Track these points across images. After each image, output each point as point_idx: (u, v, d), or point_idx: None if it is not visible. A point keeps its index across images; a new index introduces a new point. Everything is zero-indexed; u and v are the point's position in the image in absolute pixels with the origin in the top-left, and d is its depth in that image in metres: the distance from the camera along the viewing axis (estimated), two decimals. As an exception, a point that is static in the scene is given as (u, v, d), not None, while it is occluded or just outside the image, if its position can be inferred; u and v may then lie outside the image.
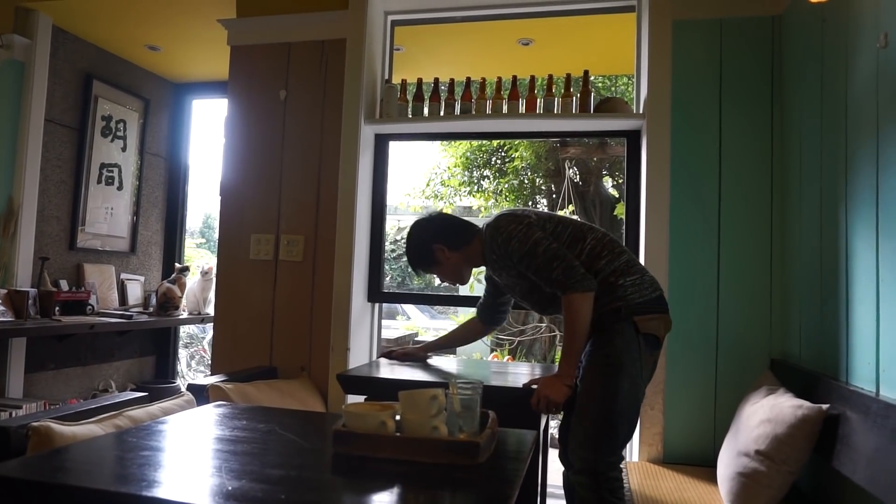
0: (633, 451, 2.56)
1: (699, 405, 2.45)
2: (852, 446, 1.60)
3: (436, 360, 2.39)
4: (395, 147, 3.07)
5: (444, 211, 8.69)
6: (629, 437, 1.85)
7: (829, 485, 1.95)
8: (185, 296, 3.89)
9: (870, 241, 1.65)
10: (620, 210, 6.23)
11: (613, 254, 1.88)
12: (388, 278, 9.33)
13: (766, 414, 1.85)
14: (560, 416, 1.97)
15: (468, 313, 6.73)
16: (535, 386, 1.84)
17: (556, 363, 2.06)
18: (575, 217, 2.07)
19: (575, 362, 1.82)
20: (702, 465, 2.34)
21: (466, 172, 7.61)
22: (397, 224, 10.35)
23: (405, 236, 2.14)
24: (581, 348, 1.82)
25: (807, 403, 1.77)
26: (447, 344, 2.43)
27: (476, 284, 6.95)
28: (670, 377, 2.46)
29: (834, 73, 1.93)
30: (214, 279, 3.12)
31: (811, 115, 2.13)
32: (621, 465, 1.80)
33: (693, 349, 2.47)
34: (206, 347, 6.45)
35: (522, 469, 1.22)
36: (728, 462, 1.93)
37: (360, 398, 2.10)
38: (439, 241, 2.04)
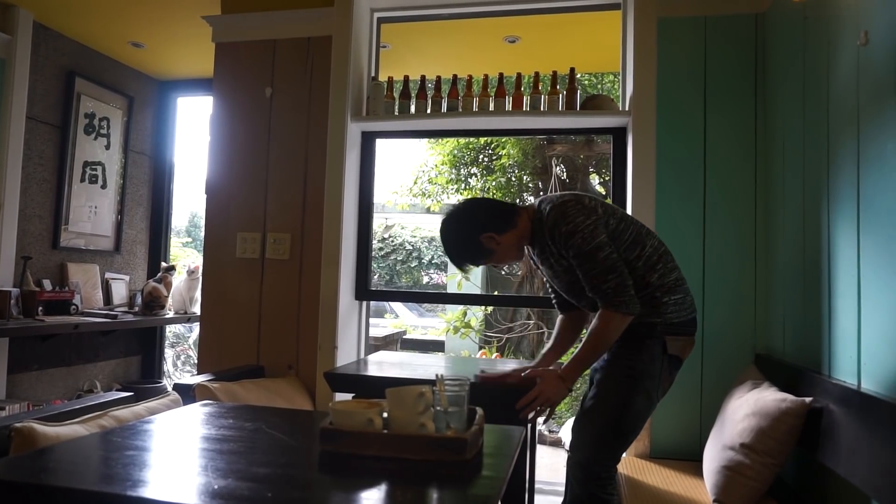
0: (620, 446, 2.57)
1: (685, 400, 2.47)
2: (835, 438, 1.62)
3: (422, 358, 2.39)
4: (382, 145, 3.06)
5: (438, 204, 8.66)
6: (629, 444, 1.85)
7: (813, 477, 1.97)
8: (171, 295, 3.86)
9: (851, 237, 1.68)
10: (607, 207, 6.23)
11: (667, 268, 1.84)
12: (375, 276, 9.31)
13: (750, 408, 1.88)
14: (542, 421, 1.94)
15: (457, 311, 6.75)
16: (536, 379, 1.81)
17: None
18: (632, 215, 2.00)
19: (582, 372, 1.81)
20: (688, 460, 2.37)
21: (454, 170, 7.60)
22: (384, 222, 10.34)
23: (439, 235, 1.95)
24: (593, 363, 1.81)
25: (790, 397, 1.79)
26: (559, 350, 2.11)
27: (464, 282, 6.96)
28: (656, 372, 2.48)
29: (816, 70, 1.95)
30: (200, 278, 3.10)
31: (794, 112, 2.15)
32: (617, 466, 1.81)
33: (679, 345, 2.49)
34: (192, 347, 6.41)
35: (510, 465, 1.22)
36: (713, 456, 1.95)
37: (348, 396, 2.09)
38: (488, 229, 1.86)
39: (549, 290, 2.10)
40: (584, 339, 1.80)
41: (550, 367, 1.96)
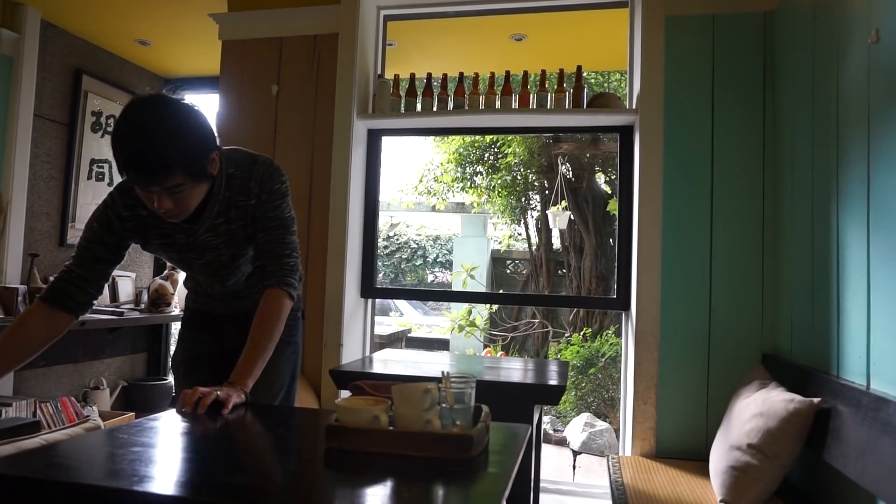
0: (626, 445, 2.56)
1: (692, 400, 2.46)
2: (843, 439, 1.61)
3: (428, 356, 2.38)
4: (387, 142, 3.06)
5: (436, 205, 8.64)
6: None
7: (821, 478, 1.96)
8: (177, 292, 3.87)
9: (861, 236, 1.66)
10: (613, 206, 6.24)
11: None
12: (380, 275, 9.33)
13: (757, 408, 1.86)
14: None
15: (462, 309, 6.74)
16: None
17: (549, 358, 2.05)
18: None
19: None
20: (694, 460, 2.35)
21: (459, 168, 7.60)
22: (390, 220, 10.34)
23: (148, 122, 1.29)
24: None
25: (798, 397, 1.78)
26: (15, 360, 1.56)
27: (469, 281, 6.96)
28: (663, 372, 2.47)
29: (825, 68, 1.93)
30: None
31: (803, 110, 2.14)
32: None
33: (685, 344, 2.48)
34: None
35: (515, 463, 1.22)
36: (720, 456, 1.94)
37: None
38: (217, 148, 1.45)
39: (83, 267, 1.61)
40: (255, 334, 1.50)
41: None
